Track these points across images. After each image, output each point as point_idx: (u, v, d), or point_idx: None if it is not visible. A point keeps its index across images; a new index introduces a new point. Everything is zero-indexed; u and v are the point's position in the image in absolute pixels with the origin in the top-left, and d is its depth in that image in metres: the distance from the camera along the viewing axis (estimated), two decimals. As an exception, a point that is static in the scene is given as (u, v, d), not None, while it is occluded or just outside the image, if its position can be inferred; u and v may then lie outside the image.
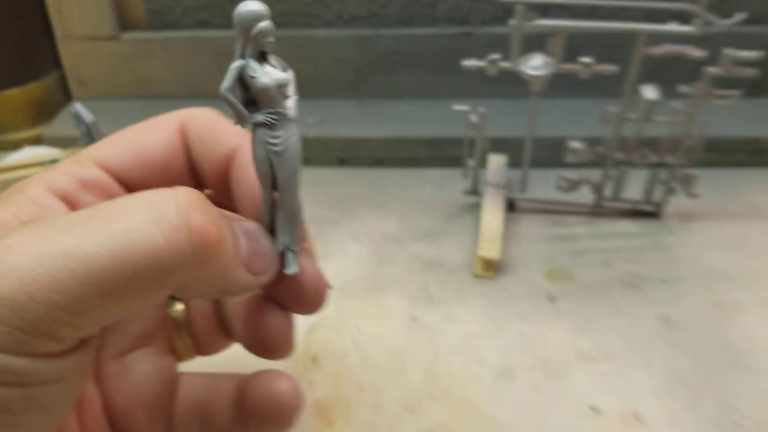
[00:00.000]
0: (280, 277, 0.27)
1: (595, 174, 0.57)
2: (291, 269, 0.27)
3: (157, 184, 0.24)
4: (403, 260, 0.55)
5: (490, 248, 0.51)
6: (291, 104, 0.25)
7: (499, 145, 0.59)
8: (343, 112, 0.69)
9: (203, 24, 0.71)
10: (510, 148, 0.62)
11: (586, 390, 0.43)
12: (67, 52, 0.72)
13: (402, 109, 0.70)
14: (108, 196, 0.27)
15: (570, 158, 0.54)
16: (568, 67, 0.49)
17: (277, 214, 0.27)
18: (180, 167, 0.28)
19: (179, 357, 0.32)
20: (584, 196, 0.58)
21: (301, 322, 0.48)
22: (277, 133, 0.25)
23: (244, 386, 0.29)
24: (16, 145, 0.71)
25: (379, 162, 0.67)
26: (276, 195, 0.26)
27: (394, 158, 0.67)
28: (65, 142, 0.66)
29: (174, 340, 0.32)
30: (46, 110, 0.73)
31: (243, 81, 0.24)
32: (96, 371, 0.28)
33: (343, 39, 0.68)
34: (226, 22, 0.70)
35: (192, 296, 0.28)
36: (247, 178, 0.27)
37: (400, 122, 0.67)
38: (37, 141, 0.71)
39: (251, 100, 0.25)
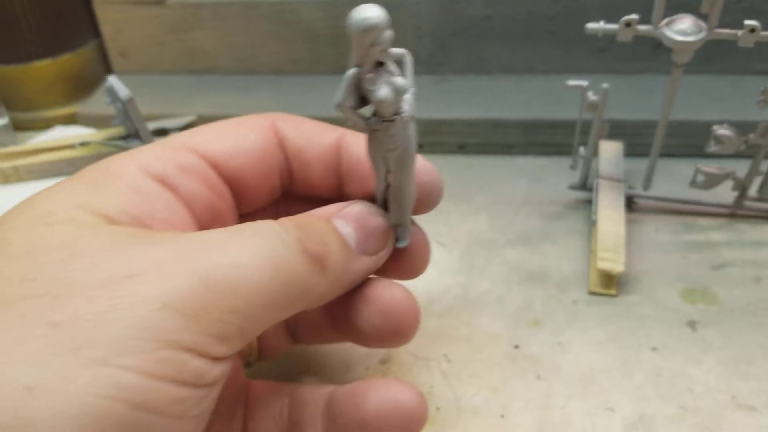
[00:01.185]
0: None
1: (738, 167, 0.45)
2: (402, 242, 0.29)
3: (252, 175, 0.28)
4: (499, 270, 0.45)
5: (612, 258, 0.41)
6: (407, 103, 0.24)
7: (612, 129, 0.48)
8: (421, 91, 0.59)
9: (261, -14, 0.61)
10: (625, 133, 0.51)
11: (752, 453, 0.33)
12: (106, 18, 0.63)
13: (491, 86, 0.59)
14: (207, 183, 0.27)
15: (713, 148, 0.43)
16: (726, 32, 0.38)
17: (389, 195, 0.27)
18: (276, 160, 0.29)
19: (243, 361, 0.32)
20: (721, 193, 0.47)
21: (376, 349, 0.38)
22: (394, 136, 0.24)
23: (340, 397, 0.28)
24: (48, 124, 0.62)
25: (462, 148, 0.56)
26: (389, 179, 0.27)
27: (480, 144, 0.56)
28: (101, 122, 0.58)
29: None
30: (82, 85, 0.64)
31: (356, 86, 0.23)
32: None
33: (422, 4, 0.58)
34: (287, -17, 0.60)
35: (325, 301, 0.27)
36: (358, 160, 0.29)
37: (488, 102, 0.57)
38: (72, 120, 0.63)
39: (365, 101, 0.24)
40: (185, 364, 0.20)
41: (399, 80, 0.23)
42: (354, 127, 0.25)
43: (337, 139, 0.29)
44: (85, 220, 0.22)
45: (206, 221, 0.27)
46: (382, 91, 0.22)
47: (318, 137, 0.29)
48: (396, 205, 0.28)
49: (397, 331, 0.29)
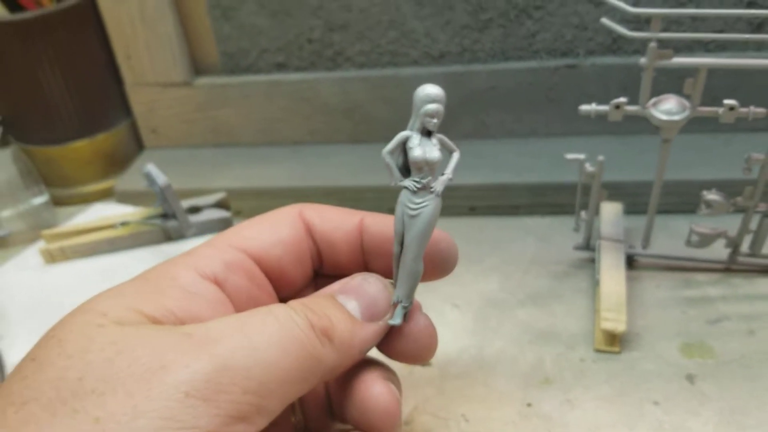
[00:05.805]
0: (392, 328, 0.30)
1: (729, 224, 0.49)
2: (394, 320, 0.30)
3: (288, 263, 0.32)
4: (510, 330, 0.48)
5: (614, 318, 0.44)
6: (440, 180, 0.28)
7: (611, 189, 0.52)
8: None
9: (280, 67, 0.66)
10: (623, 194, 0.55)
11: (747, 501, 0.36)
12: (137, 99, 0.68)
13: (496, 150, 0.63)
14: (249, 277, 0.30)
15: (704, 212, 0.47)
16: (708, 110, 0.42)
17: (399, 270, 0.30)
18: (306, 246, 0.32)
19: None
20: (716, 250, 0.50)
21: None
22: (415, 200, 0.28)
23: None
24: (85, 199, 0.67)
25: (473, 210, 0.60)
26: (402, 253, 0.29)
27: (490, 206, 0.60)
28: (137, 198, 0.62)
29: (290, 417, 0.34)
30: (116, 161, 0.69)
31: (405, 149, 0.28)
32: None
33: (431, 77, 0.62)
34: (305, 63, 0.65)
35: (345, 368, 0.29)
36: (378, 238, 0.32)
37: (495, 166, 0.61)
38: (107, 194, 0.68)
39: (408, 166, 0.28)
40: None
41: (434, 151, 0.28)
42: (389, 177, 0.28)
43: (359, 221, 0.32)
44: (133, 320, 0.26)
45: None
46: (417, 151, 0.27)
47: (341, 221, 0.32)
48: (400, 277, 0.29)
49: (372, 428, 0.30)
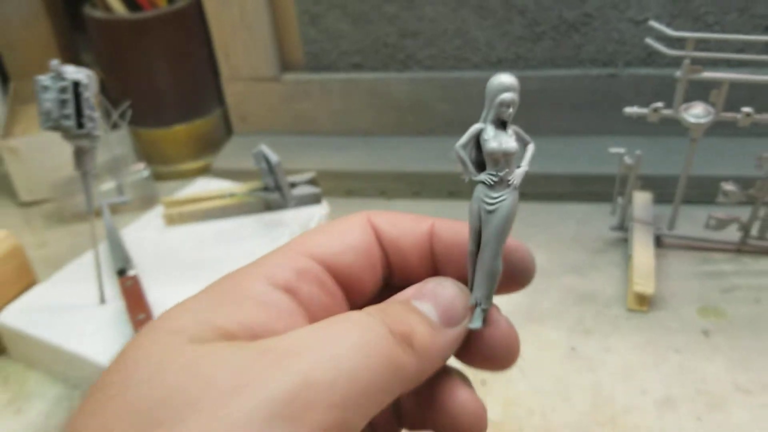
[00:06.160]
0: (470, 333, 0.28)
1: (743, 213, 0.59)
2: (474, 324, 0.28)
3: (359, 270, 0.30)
4: (555, 293, 0.58)
5: (644, 283, 0.54)
6: (517, 173, 0.26)
7: (643, 182, 0.62)
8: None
9: (357, 67, 0.76)
10: (653, 185, 0.65)
11: (746, 421, 0.46)
12: (231, 91, 0.78)
13: (543, 146, 0.72)
14: (321, 286, 0.29)
15: (721, 200, 0.56)
16: (729, 115, 0.52)
17: (476, 269, 0.28)
18: (376, 253, 0.31)
19: None
20: (730, 234, 0.60)
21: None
22: (492, 194, 0.26)
23: None
24: (182, 175, 0.78)
25: (522, 196, 0.70)
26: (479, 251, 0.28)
27: (536, 193, 0.70)
28: (230, 174, 0.73)
29: None
30: (209, 144, 0.80)
31: (479, 142, 0.26)
32: None
33: (486, 80, 0.72)
34: (379, 64, 0.75)
35: (426, 377, 0.28)
36: (450, 244, 0.30)
37: (541, 159, 0.70)
38: (200, 171, 0.78)
39: (481, 161, 0.27)
40: None
41: (510, 142, 0.26)
42: (463, 174, 0.27)
43: (429, 227, 0.31)
44: (208, 336, 0.25)
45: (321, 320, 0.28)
46: (493, 143, 0.25)
47: (411, 227, 0.31)
48: (478, 277, 0.28)
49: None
